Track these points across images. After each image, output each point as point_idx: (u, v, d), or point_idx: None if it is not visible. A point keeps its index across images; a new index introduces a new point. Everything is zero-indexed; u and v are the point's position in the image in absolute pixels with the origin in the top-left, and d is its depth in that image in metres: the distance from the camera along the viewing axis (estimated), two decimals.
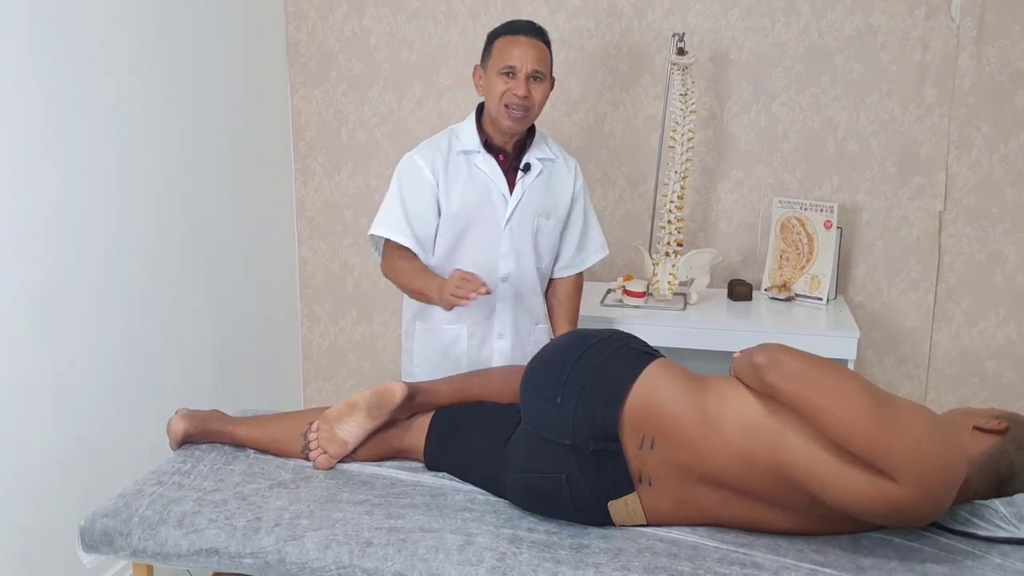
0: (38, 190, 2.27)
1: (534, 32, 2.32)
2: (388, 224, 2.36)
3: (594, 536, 1.80)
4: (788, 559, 1.69)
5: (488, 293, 2.10)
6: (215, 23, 2.99)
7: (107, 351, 2.55)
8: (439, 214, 2.36)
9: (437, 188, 2.35)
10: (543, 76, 2.30)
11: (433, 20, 3.31)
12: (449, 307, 2.16)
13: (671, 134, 2.90)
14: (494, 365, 2.45)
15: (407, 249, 2.35)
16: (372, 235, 2.40)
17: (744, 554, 1.71)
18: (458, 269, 2.18)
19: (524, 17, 3.19)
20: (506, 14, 3.24)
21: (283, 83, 3.48)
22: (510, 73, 2.27)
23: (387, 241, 2.38)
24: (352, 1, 3.36)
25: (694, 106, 2.88)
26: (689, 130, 2.88)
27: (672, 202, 2.92)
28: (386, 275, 2.41)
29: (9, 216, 2.18)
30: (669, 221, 2.94)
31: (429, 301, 2.26)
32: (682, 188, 2.91)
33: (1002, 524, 1.74)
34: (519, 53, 2.28)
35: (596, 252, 2.59)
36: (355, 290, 3.62)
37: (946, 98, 3.02)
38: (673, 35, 2.87)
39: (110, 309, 2.55)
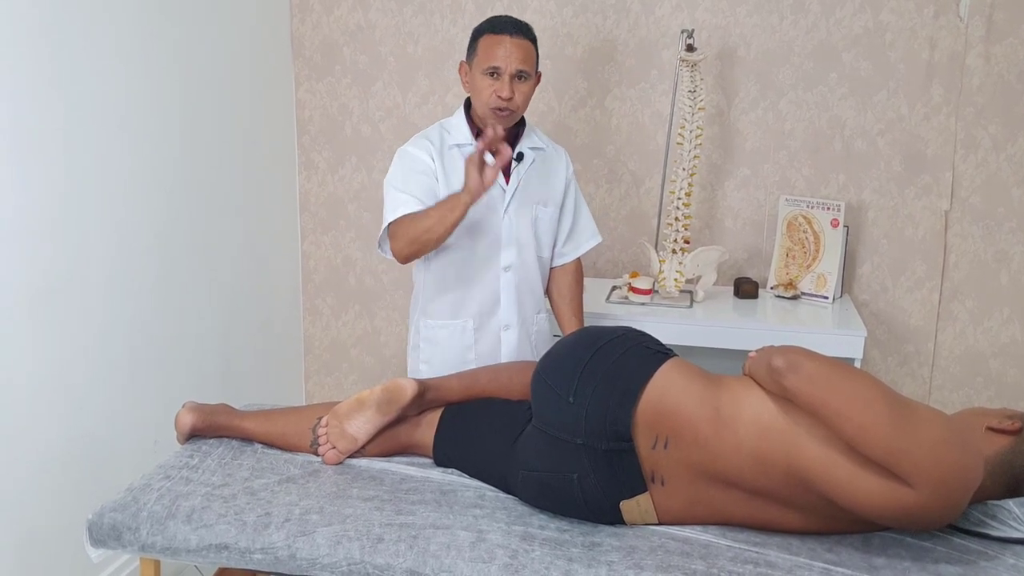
0: (43, 183, 2.25)
1: (519, 30, 2.27)
2: (395, 210, 2.26)
3: (605, 534, 1.79)
4: (801, 558, 1.69)
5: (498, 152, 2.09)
6: (219, 16, 2.97)
7: (110, 344, 2.53)
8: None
9: (435, 171, 2.31)
10: (528, 75, 2.28)
11: (440, 14, 3.29)
12: (483, 188, 2.09)
13: (679, 131, 2.89)
14: (502, 357, 2.45)
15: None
16: (385, 228, 2.29)
17: (757, 553, 1.71)
18: (469, 159, 2.11)
19: (531, 12, 3.22)
20: (513, 9, 3.22)
21: (287, 77, 3.46)
22: (495, 74, 2.25)
23: (391, 225, 2.27)
24: None
25: (703, 103, 2.87)
26: (698, 127, 2.87)
27: (680, 199, 2.91)
28: (407, 249, 2.24)
29: (13, 209, 2.17)
30: (676, 218, 2.93)
31: (462, 211, 2.13)
32: (690, 185, 2.90)
33: (1015, 525, 1.74)
34: (503, 53, 2.24)
35: (589, 240, 2.58)
36: (358, 285, 3.60)
37: (953, 97, 3.02)
38: (682, 31, 2.86)
39: (113, 302, 2.53)
